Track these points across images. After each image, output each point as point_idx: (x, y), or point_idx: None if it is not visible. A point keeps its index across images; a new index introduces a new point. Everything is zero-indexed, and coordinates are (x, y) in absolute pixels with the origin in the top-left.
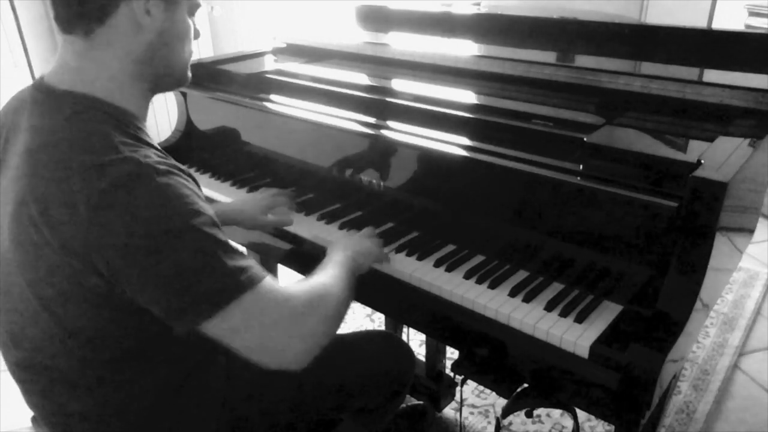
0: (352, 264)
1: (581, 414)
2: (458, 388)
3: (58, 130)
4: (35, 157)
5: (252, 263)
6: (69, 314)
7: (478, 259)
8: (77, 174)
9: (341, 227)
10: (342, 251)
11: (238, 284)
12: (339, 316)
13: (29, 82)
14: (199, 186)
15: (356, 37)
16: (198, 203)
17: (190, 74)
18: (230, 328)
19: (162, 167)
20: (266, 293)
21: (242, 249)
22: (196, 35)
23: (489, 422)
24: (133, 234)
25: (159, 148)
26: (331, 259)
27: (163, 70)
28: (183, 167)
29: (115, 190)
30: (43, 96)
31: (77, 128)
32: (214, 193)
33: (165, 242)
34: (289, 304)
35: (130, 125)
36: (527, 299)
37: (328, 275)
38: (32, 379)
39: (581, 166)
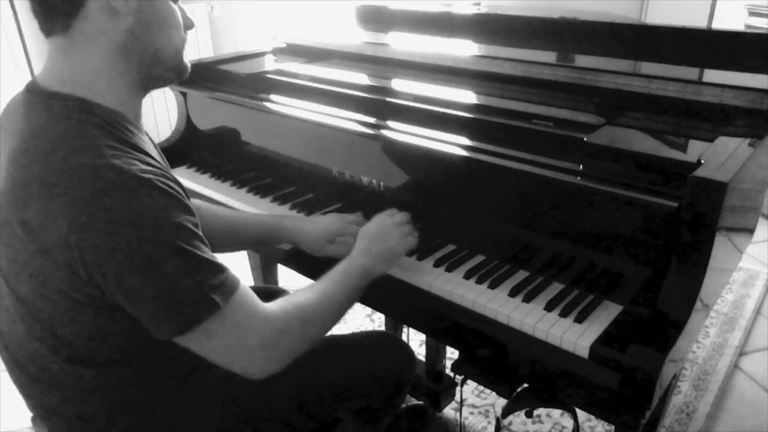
0: (365, 277)
1: (581, 414)
2: (458, 388)
3: (43, 133)
4: (19, 161)
5: (226, 277)
6: (59, 322)
7: (478, 259)
8: (59, 179)
9: None
10: (362, 257)
11: (211, 303)
12: (318, 334)
13: None
14: (185, 192)
15: (356, 37)
16: (179, 215)
17: (188, 64)
18: (202, 344)
19: (145, 176)
20: (239, 314)
21: (237, 258)
22: (189, 25)
23: (489, 422)
24: (111, 244)
25: (147, 150)
26: (345, 266)
27: (150, 58)
28: (168, 173)
29: (96, 198)
30: (34, 98)
31: (62, 131)
32: (214, 193)
33: (141, 255)
34: (264, 326)
35: (118, 127)
36: (527, 299)
37: (324, 292)
38: (30, 383)
39: (581, 166)
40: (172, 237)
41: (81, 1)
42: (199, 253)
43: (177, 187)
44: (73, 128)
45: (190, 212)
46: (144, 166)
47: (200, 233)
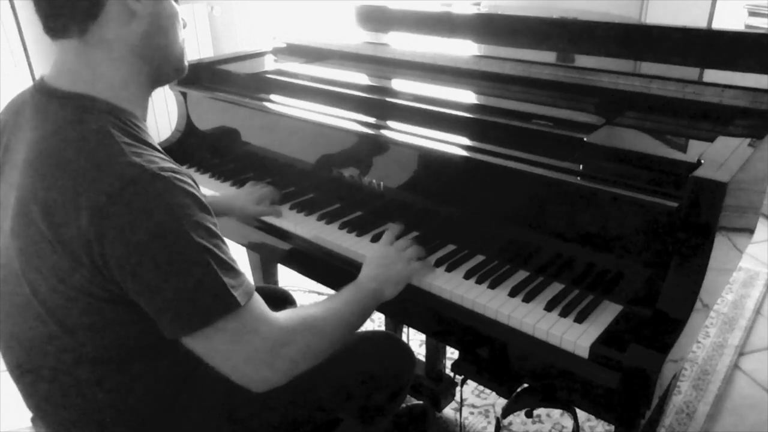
0: (373, 301)
1: (581, 414)
2: (458, 388)
3: (61, 132)
4: (38, 160)
5: (243, 280)
6: (71, 317)
7: (478, 259)
8: (80, 177)
9: (341, 227)
10: (370, 281)
11: (231, 301)
12: (323, 352)
13: (29, 82)
14: (198, 188)
15: (356, 37)
16: (199, 213)
17: (186, 63)
18: (211, 346)
19: (165, 173)
20: (251, 318)
21: (237, 258)
22: (184, 24)
23: (489, 422)
24: (131, 240)
25: (160, 148)
26: (353, 289)
27: (161, 59)
28: (184, 170)
29: (118, 195)
30: (44, 97)
31: (80, 130)
32: (215, 194)
33: (161, 252)
34: (272, 334)
35: (131, 125)
36: (527, 299)
37: (332, 310)
38: (33, 381)
39: (581, 166)
40: (193, 234)
41: (101, 5)
42: (219, 252)
43: (195, 185)
44: (91, 126)
45: (209, 211)
46: (163, 164)
47: (219, 233)
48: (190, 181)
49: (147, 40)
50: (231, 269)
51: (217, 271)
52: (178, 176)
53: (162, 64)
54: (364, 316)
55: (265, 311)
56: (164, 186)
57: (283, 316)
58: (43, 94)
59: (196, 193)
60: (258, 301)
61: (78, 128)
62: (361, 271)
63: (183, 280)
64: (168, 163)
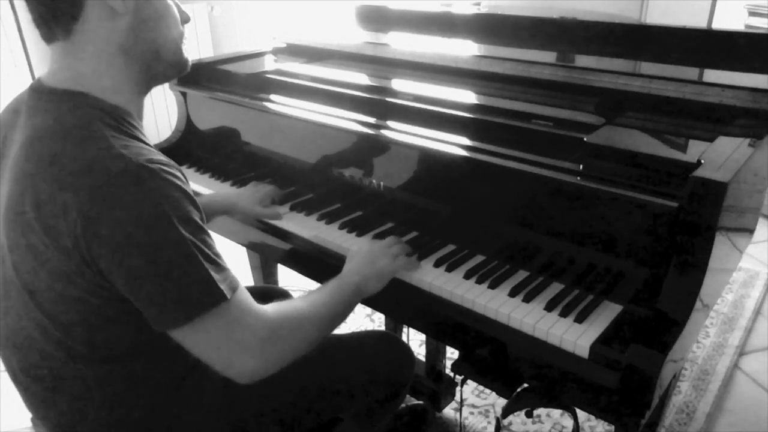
0: (356, 294)
1: (581, 414)
2: (458, 388)
3: (52, 128)
4: (29, 156)
5: (228, 275)
6: (64, 314)
7: (478, 259)
8: (68, 171)
9: (341, 227)
10: (353, 275)
11: (218, 294)
12: (309, 344)
13: (29, 82)
14: (188, 183)
15: (356, 37)
16: (186, 207)
17: (188, 58)
18: (198, 338)
19: (153, 165)
20: (238, 310)
21: (237, 258)
22: (186, 19)
23: (489, 422)
24: (119, 233)
25: (151, 144)
26: (337, 283)
27: (152, 54)
28: (174, 165)
29: (105, 187)
30: (39, 95)
31: (70, 126)
32: (212, 192)
33: (148, 245)
34: (259, 325)
35: (123, 122)
36: (527, 299)
37: (317, 302)
38: (32, 383)
39: (581, 166)
40: (181, 228)
41: (80, 6)
42: (205, 247)
43: (184, 179)
44: (81, 122)
45: (196, 206)
46: (151, 156)
47: (206, 228)
48: (179, 174)
49: (134, 37)
50: (216, 263)
51: (204, 264)
52: (166, 168)
53: (153, 61)
54: (348, 309)
55: (251, 304)
56: (152, 178)
57: (270, 308)
58: (39, 92)
59: (185, 187)
60: (244, 294)
61: (67, 123)
62: (345, 265)
63: (170, 274)
64: (157, 156)
